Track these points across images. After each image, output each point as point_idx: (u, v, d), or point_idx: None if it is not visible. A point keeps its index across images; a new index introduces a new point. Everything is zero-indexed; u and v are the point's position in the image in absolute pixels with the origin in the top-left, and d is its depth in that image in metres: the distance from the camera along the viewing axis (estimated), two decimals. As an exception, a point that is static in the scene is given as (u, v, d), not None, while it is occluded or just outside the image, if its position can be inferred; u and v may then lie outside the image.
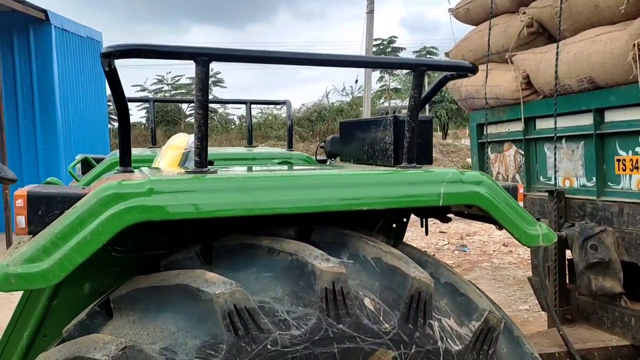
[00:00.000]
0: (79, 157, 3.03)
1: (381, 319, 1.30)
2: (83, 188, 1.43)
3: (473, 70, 1.52)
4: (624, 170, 2.71)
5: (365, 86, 18.32)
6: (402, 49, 31.93)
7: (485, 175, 1.51)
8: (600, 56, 2.68)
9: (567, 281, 3.04)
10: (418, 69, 1.48)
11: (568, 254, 2.94)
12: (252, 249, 1.39)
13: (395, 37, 33.84)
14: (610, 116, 2.78)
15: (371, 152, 1.88)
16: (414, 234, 9.18)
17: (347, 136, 2.17)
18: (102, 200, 1.19)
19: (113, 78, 1.38)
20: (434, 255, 1.72)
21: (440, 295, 1.43)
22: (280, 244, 1.35)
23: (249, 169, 1.95)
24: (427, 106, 27.65)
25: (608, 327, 2.71)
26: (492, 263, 7.04)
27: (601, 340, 2.61)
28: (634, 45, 2.44)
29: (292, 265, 1.30)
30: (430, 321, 1.33)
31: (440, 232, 9.29)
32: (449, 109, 27.92)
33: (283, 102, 3.15)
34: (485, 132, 3.72)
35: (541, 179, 3.32)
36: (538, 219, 3.19)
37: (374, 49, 22.62)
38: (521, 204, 1.63)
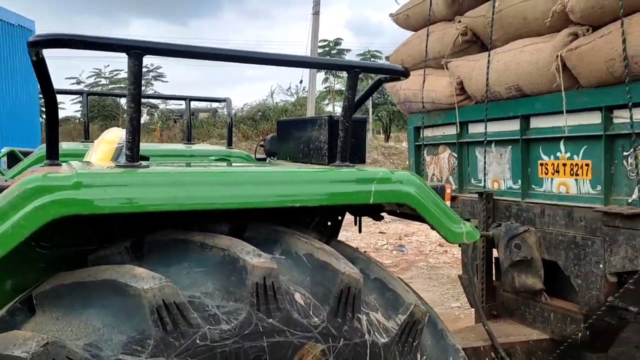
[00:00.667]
0: (4, 150, 2.89)
1: (311, 313, 1.33)
2: (6, 181, 1.37)
3: (405, 74, 1.59)
4: (547, 173, 2.88)
5: (309, 87, 18.42)
6: (347, 50, 32.38)
7: (414, 176, 1.57)
8: (527, 66, 2.83)
9: (494, 279, 3.19)
10: (352, 70, 1.52)
11: (496, 253, 3.10)
12: (185, 244, 1.38)
13: (341, 39, 34.24)
14: (535, 123, 2.95)
15: (307, 151, 1.92)
16: (354, 234, 9.33)
17: (285, 135, 2.19)
18: (25, 193, 1.15)
19: (41, 68, 1.33)
20: (369, 254, 1.77)
21: (369, 291, 1.48)
22: (212, 240, 1.35)
23: (184, 165, 1.94)
24: (370, 108, 28.13)
25: (530, 321, 2.88)
26: (428, 262, 7.28)
27: (523, 334, 2.77)
28: (557, 56, 2.60)
29: (224, 261, 1.31)
30: (359, 315, 1.38)
31: (380, 232, 9.49)
32: (390, 111, 28.52)
33: (223, 100, 3.13)
34: (421, 135, 3.85)
35: (472, 181, 3.47)
36: (469, 219, 3.36)
37: (320, 50, 22.79)
38: (448, 203, 1.71)
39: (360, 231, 2.05)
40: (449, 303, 5.41)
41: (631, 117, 2.30)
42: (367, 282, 1.48)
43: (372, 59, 29.49)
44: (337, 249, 1.49)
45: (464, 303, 5.18)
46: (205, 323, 1.20)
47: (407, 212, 1.69)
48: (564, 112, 2.62)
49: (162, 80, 31.12)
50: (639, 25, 2.24)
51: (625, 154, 2.43)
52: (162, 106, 28.25)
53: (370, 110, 29.99)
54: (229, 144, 2.93)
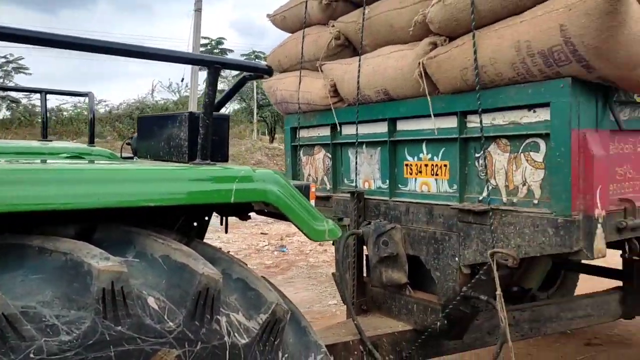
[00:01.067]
0: None
1: (165, 317, 1.27)
2: None
3: (268, 72, 1.58)
4: (411, 174, 3.05)
5: (191, 85, 17.91)
6: (230, 50, 31.93)
7: (277, 174, 1.57)
8: (392, 71, 2.98)
9: (365, 275, 3.31)
10: (212, 65, 1.48)
11: (366, 250, 3.22)
12: (21, 249, 1.25)
13: (224, 38, 33.69)
14: (401, 125, 3.11)
15: (167, 149, 1.84)
16: (235, 235, 9.22)
17: (146, 132, 2.09)
18: None
19: None
20: (231, 254, 1.73)
21: (230, 291, 1.45)
22: (53, 244, 1.24)
23: (23, 162, 1.76)
24: (255, 109, 28.03)
25: (396, 314, 3.03)
26: (308, 262, 7.40)
27: (389, 326, 2.90)
28: (419, 63, 2.76)
29: (65, 266, 1.20)
30: (218, 317, 1.34)
31: (262, 233, 9.48)
32: (275, 112, 28.66)
33: (85, 94, 2.91)
34: (297, 136, 3.90)
35: (345, 181, 3.57)
36: (341, 219, 3.46)
37: (202, 49, 22.24)
38: (313, 202, 1.73)
39: (226, 231, 2.02)
40: (327, 301, 5.54)
41: (481, 122, 2.51)
42: (228, 282, 1.45)
43: (256, 60, 29.42)
44: (197, 250, 1.44)
45: (340, 300, 5.33)
46: (42, 335, 1.09)
47: (273, 210, 1.69)
48: (432, 115, 2.77)
49: (24, 73, 28.33)
50: (488, 38, 2.44)
51: (476, 155, 2.65)
52: (24, 101, 25.74)
53: (255, 111, 29.92)
54: (91, 141, 2.73)
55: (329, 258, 7.52)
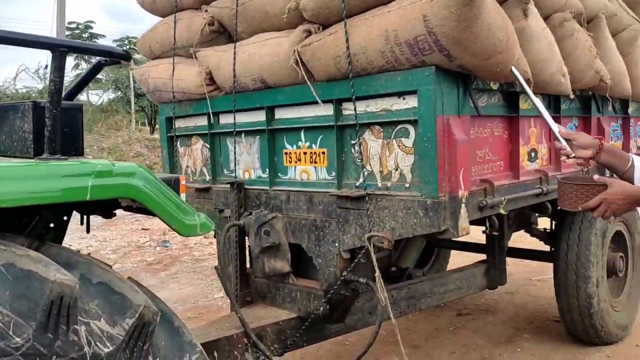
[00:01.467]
0: None
1: (11, 333, 1.12)
2: None
3: (126, 57, 1.46)
4: (290, 162, 3.05)
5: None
6: (101, 35, 29.80)
7: (141, 167, 1.46)
8: (268, 59, 2.94)
9: (248, 266, 3.26)
10: (57, 49, 1.33)
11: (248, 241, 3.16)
12: None
13: (93, 22, 31.35)
14: (279, 114, 3.08)
15: (9, 143, 1.64)
16: (113, 233, 8.69)
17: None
18: None
19: None
20: (91, 256, 1.60)
21: (90, 297, 1.33)
22: None
23: None
24: (132, 98, 26.47)
25: (280, 303, 3.03)
26: (193, 256, 7.18)
27: (274, 316, 2.89)
28: (294, 51, 2.75)
29: None
30: (75, 326, 1.22)
31: (143, 229, 9.02)
32: (154, 102, 27.26)
33: None
34: (173, 126, 3.72)
35: (225, 171, 3.48)
36: (222, 210, 3.37)
37: (68, 33, 20.50)
38: (184, 195, 1.65)
39: (88, 231, 1.85)
40: (213, 294, 5.42)
41: (355, 109, 2.56)
42: (87, 287, 1.32)
43: (130, 46, 27.73)
44: (50, 255, 1.30)
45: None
46: None
47: (140, 206, 1.58)
48: (319, 102, 2.78)
49: None
50: (360, 26, 2.48)
51: (352, 142, 2.70)
52: None
53: (133, 100, 28.32)
54: None
55: (215, 250, 7.35)
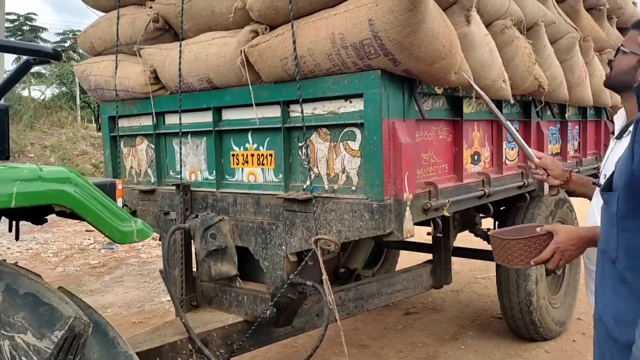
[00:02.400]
0: None
1: None
2: None
3: (56, 57, 1.39)
4: (238, 164, 3.01)
5: (-5, 66, 15.60)
6: (43, 29, 28.54)
7: (72, 172, 1.40)
8: (215, 58, 2.88)
9: (195, 270, 3.20)
10: (-22, 46, 1.25)
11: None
12: None
13: (35, 14, 30.04)
14: (227, 115, 3.04)
15: None
16: (55, 235, 8.35)
17: None
18: None
19: None
20: (19, 265, 1.51)
21: (15, 309, 1.26)
22: None
23: None
24: (78, 94, 25.50)
25: (226, 307, 2.98)
26: (140, 258, 6.99)
27: (220, 320, 2.84)
28: (241, 51, 2.71)
29: None
30: (-2, 342, 1.15)
31: (87, 230, 8.71)
32: (96, 100, 26.29)
33: None
34: (117, 126, 3.60)
35: (171, 173, 3.40)
36: (167, 212, 3.29)
37: (9, 26, 19.52)
38: (120, 200, 1.59)
39: (17, 238, 1.76)
40: (160, 298, 5.29)
41: (302, 112, 2.55)
42: (13, 299, 1.25)
43: (73, 40, 26.65)
44: (-30, 265, 1.22)
45: (174, 296, 5.13)
46: None
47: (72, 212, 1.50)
48: (253, 105, 2.75)
49: None
50: (307, 28, 2.47)
51: (300, 144, 2.69)
52: None
53: (78, 95, 27.32)
54: None
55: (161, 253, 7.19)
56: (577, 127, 4.53)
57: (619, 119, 2.07)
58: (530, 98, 3.56)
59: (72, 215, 1.65)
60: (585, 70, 3.95)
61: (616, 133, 2.07)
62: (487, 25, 2.87)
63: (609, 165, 1.97)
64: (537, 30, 3.34)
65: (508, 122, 2.42)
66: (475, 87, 2.47)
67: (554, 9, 3.71)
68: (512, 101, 3.05)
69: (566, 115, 4.16)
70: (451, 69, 2.42)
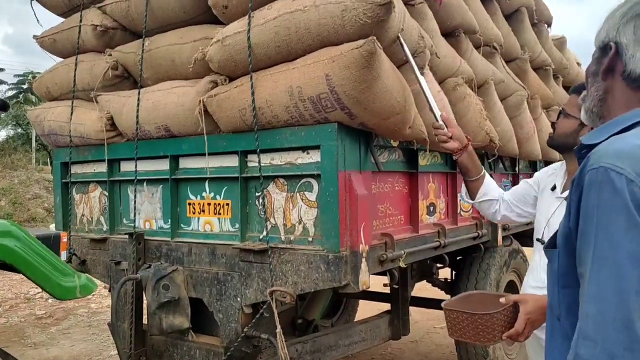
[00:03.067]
0: None
1: None
2: None
3: (3, 107, 1.36)
4: (194, 213, 2.96)
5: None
6: (0, 69, 28.04)
7: (14, 225, 1.35)
8: (174, 107, 2.88)
9: (146, 322, 3.07)
10: None
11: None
12: None
13: (-7, 54, 29.53)
14: (184, 163, 3.01)
15: None
16: (1, 283, 7.93)
17: None
18: None
19: None
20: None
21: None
22: None
23: None
24: (33, 138, 24.87)
25: (178, 362, 2.86)
26: (90, 308, 6.68)
27: (170, 376, 2.72)
28: (200, 101, 2.72)
29: None
30: None
31: (35, 278, 8.29)
32: (49, 145, 25.73)
33: None
34: (69, 172, 3.51)
35: (124, 221, 3.31)
36: (119, 262, 3.18)
37: (-36, 64, 19.03)
38: (64, 254, 1.53)
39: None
40: (108, 352, 5.03)
41: (259, 162, 2.55)
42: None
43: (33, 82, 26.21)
44: None
45: (124, 349, 4.89)
46: None
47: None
48: (206, 154, 2.74)
49: None
50: (265, 81, 2.52)
51: (257, 194, 2.68)
52: None
53: (34, 137, 26.68)
54: None
55: (116, 302, 6.90)
56: (528, 179, 4.70)
57: (558, 176, 2.17)
58: (483, 152, 3.68)
59: (13, 269, 1.58)
60: (533, 126, 4.14)
61: (558, 190, 2.16)
62: (440, 82, 3.00)
63: (554, 222, 2.04)
64: (487, 88, 3.50)
65: (422, 77, 2.50)
66: (406, 49, 2.46)
67: (502, 68, 3.91)
68: (464, 154, 3.14)
69: (517, 168, 4.31)
70: (406, 123, 2.49)
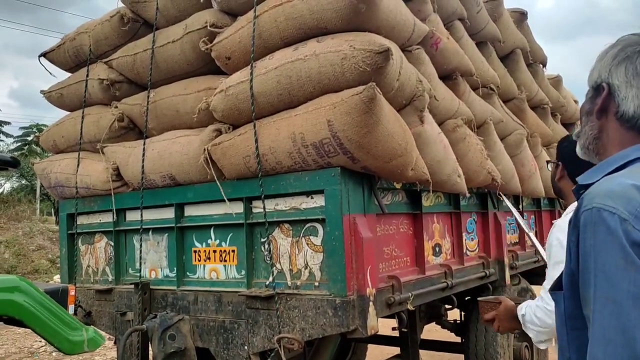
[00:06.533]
0: None
1: None
2: None
3: (13, 164, 1.40)
4: (199, 260, 2.96)
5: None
6: (5, 123, 28.63)
7: (22, 280, 1.36)
8: (179, 156, 2.93)
9: (152, 374, 3.02)
10: None
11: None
12: None
13: (-1, 109, 30.22)
14: (189, 211, 3.03)
15: None
16: (2, 338, 7.81)
17: None
18: None
19: None
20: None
21: None
22: None
23: None
24: (38, 189, 25.00)
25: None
26: (94, 361, 6.55)
27: None
28: (205, 149, 2.76)
29: None
30: None
31: (38, 331, 8.18)
32: (55, 198, 25.83)
33: None
34: (75, 223, 3.53)
35: (130, 271, 3.31)
36: (124, 313, 3.16)
37: (-29, 119, 19.42)
38: (71, 307, 1.53)
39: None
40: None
41: (264, 208, 2.57)
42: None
43: (37, 133, 26.62)
44: None
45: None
46: None
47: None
48: (225, 200, 2.76)
49: None
50: (268, 128, 2.56)
51: (262, 240, 2.69)
52: None
53: (39, 189, 26.85)
54: None
55: (120, 353, 6.77)
56: (532, 217, 4.70)
57: None
58: (486, 190, 3.70)
59: (21, 324, 1.57)
60: (534, 164, 4.17)
61: None
62: (440, 124, 3.05)
63: None
64: (486, 128, 3.55)
65: (520, 216, 2.68)
66: (505, 200, 2.67)
67: (501, 108, 3.98)
68: (467, 194, 3.16)
69: (520, 206, 4.32)
70: (408, 166, 2.52)
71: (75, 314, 3.07)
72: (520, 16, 4.82)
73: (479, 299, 2.22)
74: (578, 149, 1.17)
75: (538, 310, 1.84)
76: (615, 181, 0.93)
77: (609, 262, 0.86)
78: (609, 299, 0.86)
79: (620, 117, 1.04)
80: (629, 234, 0.85)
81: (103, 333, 3.15)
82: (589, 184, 0.98)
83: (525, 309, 1.91)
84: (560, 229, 1.86)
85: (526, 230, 2.46)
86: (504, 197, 2.82)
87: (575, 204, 2.31)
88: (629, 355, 0.82)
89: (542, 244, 4.74)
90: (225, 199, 2.73)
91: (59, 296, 1.42)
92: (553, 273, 1.81)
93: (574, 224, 0.95)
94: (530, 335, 1.90)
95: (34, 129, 28.30)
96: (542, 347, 1.96)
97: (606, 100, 1.07)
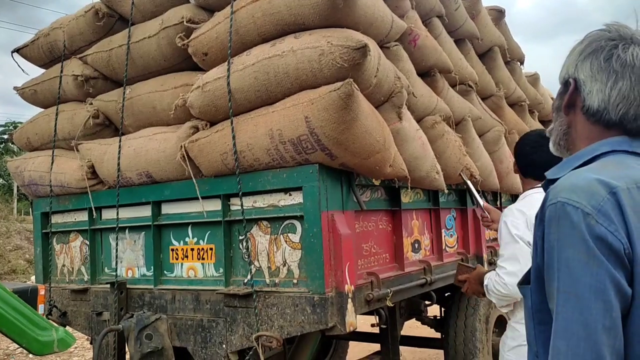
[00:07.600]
0: None
1: None
2: None
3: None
4: (177, 259, 2.93)
5: None
6: (-18, 121, 28.01)
7: (-12, 278, 1.31)
8: (155, 153, 2.89)
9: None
10: None
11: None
12: None
13: (-25, 107, 29.50)
14: (166, 209, 2.99)
15: None
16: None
17: None
18: None
19: None
20: None
21: None
22: None
23: None
24: (15, 188, 24.53)
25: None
26: (72, 362, 6.45)
27: None
28: (181, 146, 2.73)
29: None
30: None
31: (15, 333, 8.02)
32: (29, 196, 25.35)
33: None
34: (49, 222, 3.46)
35: (106, 270, 3.26)
36: (100, 313, 3.11)
37: (-56, 117, 18.90)
38: (41, 307, 1.49)
39: None
40: (91, 407, 4.83)
41: (242, 205, 2.55)
42: None
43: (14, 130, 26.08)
44: None
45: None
46: None
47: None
48: (199, 198, 2.72)
49: None
50: (245, 124, 2.54)
51: (240, 238, 2.66)
52: None
53: (15, 188, 26.34)
54: None
55: (99, 354, 6.67)
56: (511, 212, 4.73)
57: None
58: (465, 187, 3.72)
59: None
60: (513, 160, 4.20)
61: None
62: (418, 120, 3.05)
63: None
64: (465, 125, 3.57)
65: (471, 183, 3.13)
66: (467, 181, 3.01)
67: (479, 105, 4.00)
68: (446, 190, 3.17)
69: (499, 202, 4.36)
70: (386, 162, 2.52)
71: (49, 314, 3.01)
72: (498, 14, 4.85)
73: (458, 262, 2.62)
74: (550, 145, 1.18)
75: (497, 284, 2.20)
76: (581, 176, 0.93)
77: (572, 257, 0.87)
78: (571, 293, 0.86)
79: (586, 112, 1.05)
80: (592, 228, 0.86)
81: (79, 334, 3.09)
82: (557, 179, 0.98)
83: (488, 280, 2.27)
84: (509, 211, 2.30)
85: (481, 203, 2.77)
86: (463, 175, 3.14)
87: (525, 193, 2.42)
88: (590, 348, 0.83)
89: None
90: (199, 197, 2.69)
91: (29, 296, 1.38)
92: (502, 252, 2.24)
93: (539, 218, 0.95)
94: (493, 300, 2.28)
95: (11, 127, 27.71)
96: (504, 310, 2.35)
97: (573, 95, 1.08)
